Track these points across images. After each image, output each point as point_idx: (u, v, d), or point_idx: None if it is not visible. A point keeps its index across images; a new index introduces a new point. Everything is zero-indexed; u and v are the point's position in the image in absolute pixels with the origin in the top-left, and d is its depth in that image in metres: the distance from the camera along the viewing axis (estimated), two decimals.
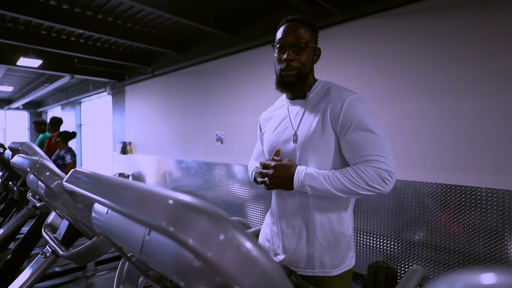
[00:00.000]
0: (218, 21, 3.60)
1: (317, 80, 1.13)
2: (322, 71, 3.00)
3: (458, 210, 2.27)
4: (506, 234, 2.07)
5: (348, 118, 0.97)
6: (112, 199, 0.48)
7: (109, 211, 0.57)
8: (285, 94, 1.16)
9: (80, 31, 3.75)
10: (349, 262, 1.08)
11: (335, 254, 1.04)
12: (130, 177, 6.06)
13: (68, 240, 1.16)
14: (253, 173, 1.19)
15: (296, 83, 1.05)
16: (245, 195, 3.88)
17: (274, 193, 1.15)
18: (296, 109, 1.10)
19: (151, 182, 5.59)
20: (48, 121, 4.57)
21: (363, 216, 2.79)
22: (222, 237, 0.34)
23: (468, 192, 2.22)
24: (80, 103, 8.73)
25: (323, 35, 3.14)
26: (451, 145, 2.31)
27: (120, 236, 0.58)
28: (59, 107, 9.62)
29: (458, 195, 2.27)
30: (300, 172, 0.98)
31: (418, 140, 2.48)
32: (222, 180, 4.20)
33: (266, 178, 1.02)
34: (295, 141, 1.04)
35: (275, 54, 1.07)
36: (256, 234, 1.27)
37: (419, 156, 2.47)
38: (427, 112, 2.42)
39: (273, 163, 1.01)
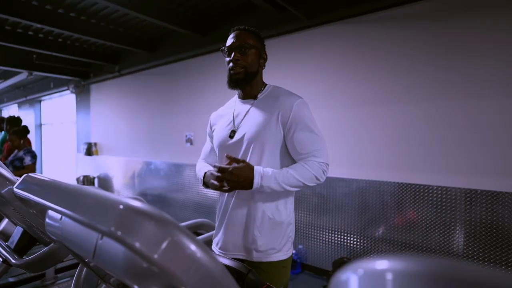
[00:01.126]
0: (187, 21, 3.57)
1: (266, 84, 1.24)
2: (289, 74, 3.10)
3: (414, 207, 2.44)
4: (457, 228, 2.26)
5: (296, 118, 1.11)
6: (65, 205, 0.49)
7: (63, 217, 0.57)
8: (236, 94, 1.27)
9: (39, 25, 3.53)
10: (287, 250, 1.16)
11: (273, 241, 1.12)
12: (96, 180, 5.80)
13: (22, 247, 1.10)
14: (203, 176, 1.23)
15: (244, 80, 1.16)
16: (215, 196, 3.87)
17: (221, 193, 1.22)
18: (242, 108, 1.21)
19: (119, 185, 5.40)
20: (5, 121, 4.24)
21: (329, 215, 2.91)
22: (167, 240, 0.36)
23: (422, 190, 2.40)
24: (40, 101, 8.20)
25: (291, 38, 3.26)
26: (406, 146, 2.48)
27: (74, 242, 0.58)
28: (16, 105, 8.97)
29: (414, 193, 2.44)
30: (259, 174, 1.05)
31: (382, 141, 2.63)
32: (192, 181, 4.16)
33: (224, 182, 1.07)
34: (231, 136, 1.17)
35: (226, 59, 1.19)
36: None
37: (383, 157, 2.62)
38: (392, 114, 2.57)
39: (230, 167, 1.05)
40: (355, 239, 2.76)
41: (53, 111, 7.90)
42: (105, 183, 5.67)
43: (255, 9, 3.22)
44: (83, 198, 0.46)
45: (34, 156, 3.53)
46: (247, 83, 1.18)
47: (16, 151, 3.54)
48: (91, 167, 5.97)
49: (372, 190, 2.66)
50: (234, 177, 1.04)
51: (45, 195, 0.56)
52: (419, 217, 2.42)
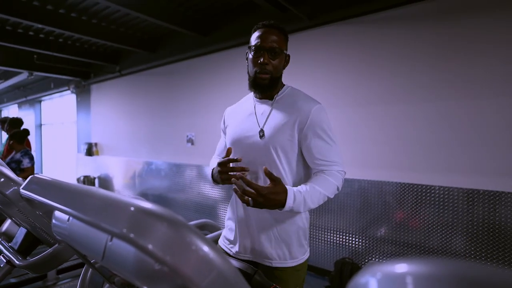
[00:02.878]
0: (188, 21, 3.57)
1: (284, 84, 1.20)
2: (291, 74, 3.09)
3: (416, 207, 2.44)
4: (458, 228, 2.26)
5: (314, 124, 1.07)
6: (73, 207, 0.48)
7: (70, 218, 0.57)
8: (252, 93, 1.22)
9: (40, 25, 3.53)
10: (303, 255, 1.15)
11: (290, 247, 1.11)
12: (96, 180, 5.80)
13: (25, 248, 1.10)
14: (216, 175, 1.14)
15: (268, 86, 1.12)
16: (216, 196, 3.88)
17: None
18: (262, 108, 1.16)
19: (119, 185, 5.40)
20: (7, 122, 4.22)
21: (331, 215, 2.90)
22: (180, 241, 0.36)
23: (424, 190, 2.40)
24: (40, 101, 8.19)
25: (293, 39, 3.23)
26: (407, 146, 2.48)
27: (82, 243, 0.58)
28: (16, 105, 8.96)
29: (415, 193, 2.44)
30: (292, 200, 0.98)
31: (384, 141, 2.63)
32: (193, 181, 4.15)
33: (250, 198, 0.96)
34: (262, 136, 1.10)
35: (250, 56, 1.13)
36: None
37: (385, 157, 2.62)
38: (394, 114, 2.57)
39: (265, 191, 0.94)
40: (356, 239, 2.75)
41: (53, 111, 7.89)
42: (105, 183, 5.66)
43: (256, 9, 3.22)
44: (92, 200, 0.46)
45: (32, 158, 3.50)
46: (270, 88, 1.13)
47: (13, 152, 3.52)
48: (91, 167, 5.97)
49: (373, 190, 2.65)
50: (267, 202, 0.95)
51: (53, 196, 0.56)
52: (421, 217, 2.42)
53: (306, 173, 1.15)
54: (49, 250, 0.99)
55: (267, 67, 1.09)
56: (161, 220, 0.37)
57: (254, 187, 0.95)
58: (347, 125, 2.80)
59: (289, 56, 1.18)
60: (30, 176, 0.71)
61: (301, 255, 1.13)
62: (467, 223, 2.22)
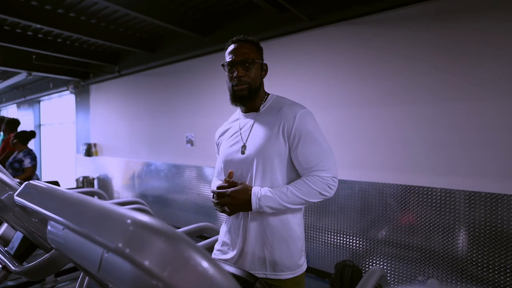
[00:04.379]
0: (188, 21, 3.55)
1: (268, 94, 1.21)
2: (291, 75, 3.08)
3: (416, 209, 2.43)
4: (459, 230, 2.24)
5: (299, 130, 1.07)
6: (67, 217, 0.47)
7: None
8: (239, 108, 1.22)
9: (38, 25, 3.51)
10: (300, 267, 1.12)
11: (286, 257, 1.09)
12: (96, 181, 5.78)
13: (22, 253, 1.08)
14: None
15: (248, 97, 1.13)
16: None
17: None
18: (246, 122, 1.18)
19: (118, 186, 5.37)
20: (4, 122, 4.21)
21: (331, 217, 2.89)
22: (178, 257, 0.34)
23: (425, 192, 2.38)
24: (39, 101, 8.17)
25: (293, 39, 3.24)
26: (408, 148, 2.47)
27: (77, 254, 0.56)
28: (15, 105, 8.93)
29: (416, 195, 2.43)
30: (256, 194, 1.04)
31: (385, 143, 2.61)
32: (193, 182, 4.14)
33: (225, 206, 1.06)
34: (243, 152, 1.12)
35: (226, 73, 1.15)
36: None
37: (386, 159, 2.61)
38: (395, 116, 2.55)
39: (228, 191, 1.05)
40: (357, 241, 2.74)
41: (52, 111, 7.87)
42: (104, 184, 5.64)
43: (256, 10, 3.20)
44: (88, 210, 0.44)
45: (34, 158, 3.50)
46: (251, 99, 1.14)
47: (16, 152, 3.52)
48: (90, 168, 5.94)
49: (374, 192, 2.64)
50: (233, 200, 1.04)
51: (47, 205, 0.54)
52: (422, 219, 2.40)
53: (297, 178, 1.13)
54: (46, 256, 0.97)
55: (243, 79, 1.10)
56: (158, 234, 0.35)
57: (218, 194, 1.07)
58: (348, 126, 2.78)
59: (266, 65, 1.19)
60: (25, 183, 0.69)
61: (298, 267, 1.11)
62: (468, 225, 2.21)
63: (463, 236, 2.22)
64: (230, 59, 1.12)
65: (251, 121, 1.16)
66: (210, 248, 1.37)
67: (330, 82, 2.89)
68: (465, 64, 2.23)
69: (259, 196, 1.03)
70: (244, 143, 1.13)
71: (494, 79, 2.13)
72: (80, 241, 0.50)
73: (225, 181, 1.10)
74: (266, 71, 1.20)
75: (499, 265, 2.10)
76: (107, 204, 0.43)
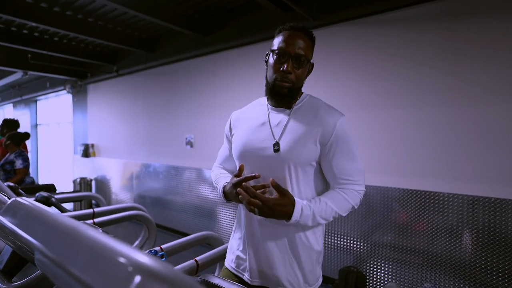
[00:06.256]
0: (188, 20, 3.47)
1: (302, 92, 1.09)
2: None
3: (420, 213, 2.37)
4: (464, 235, 2.19)
5: (337, 139, 0.98)
6: (55, 251, 0.39)
7: None
8: (266, 98, 1.10)
9: (34, 24, 3.41)
10: (317, 281, 1.08)
11: (309, 271, 1.04)
12: (93, 182, 5.68)
13: (11, 268, 1.00)
14: (221, 188, 1.10)
15: (287, 96, 1.01)
16: (216, 199, 3.79)
17: (242, 207, 1.09)
18: (278, 117, 1.04)
19: (117, 187, 5.29)
20: (2, 123, 4.11)
21: (334, 221, 2.83)
22: None
23: (431, 196, 2.33)
24: (35, 101, 8.06)
25: None
26: (412, 152, 2.41)
27: (68, 285, 0.49)
28: (11, 105, 8.82)
29: (419, 199, 2.37)
30: (299, 211, 0.94)
31: (388, 146, 2.55)
32: (192, 184, 4.06)
33: (256, 209, 0.92)
34: (277, 150, 0.98)
35: (271, 60, 1.01)
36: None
37: (389, 162, 2.54)
38: (398, 119, 2.50)
39: (271, 202, 0.91)
40: (361, 246, 2.68)
41: (49, 111, 7.76)
42: (102, 185, 5.56)
43: (258, 9, 3.13)
44: (81, 246, 0.37)
45: (25, 159, 3.41)
46: (289, 98, 1.03)
47: (8, 154, 3.43)
48: (88, 169, 5.86)
49: (378, 196, 2.58)
50: (271, 212, 0.92)
51: (33, 231, 0.47)
52: (425, 223, 2.35)
53: (323, 188, 1.06)
54: (36, 273, 0.89)
55: (289, 76, 0.97)
56: (163, 282, 0.28)
57: (260, 198, 0.91)
58: (358, 129, 2.72)
59: (313, 65, 1.06)
60: (12, 200, 0.62)
61: (315, 281, 1.05)
62: (471, 230, 2.17)
63: (467, 241, 2.18)
64: (284, 48, 0.97)
65: (284, 118, 1.03)
66: (215, 259, 1.30)
67: (333, 83, 2.82)
68: (469, 67, 2.18)
69: (301, 213, 0.93)
70: (277, 141, 0.99)
71: (498, 83, 2.09)
72: (70, 279, 0.43)
73: (258, 184, 0.97)
74: (310, 71, 1.07)
75: (503, 270, 2.06)
76: (104, 238, 0.36)
